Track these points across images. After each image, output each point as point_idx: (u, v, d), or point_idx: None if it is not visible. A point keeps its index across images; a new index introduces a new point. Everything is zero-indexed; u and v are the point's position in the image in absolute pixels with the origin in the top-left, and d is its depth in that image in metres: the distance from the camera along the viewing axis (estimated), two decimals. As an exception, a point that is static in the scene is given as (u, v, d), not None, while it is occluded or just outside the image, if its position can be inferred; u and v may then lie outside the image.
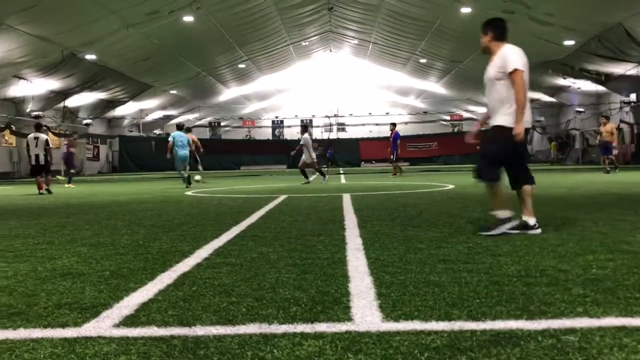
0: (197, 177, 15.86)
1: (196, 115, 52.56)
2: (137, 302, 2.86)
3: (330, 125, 52.90)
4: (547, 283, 3.07)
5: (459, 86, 43.51)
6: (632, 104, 32.39)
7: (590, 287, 2.95)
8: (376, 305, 2.68)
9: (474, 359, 2.00)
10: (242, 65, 40.93)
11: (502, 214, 4.84)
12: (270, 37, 36.00)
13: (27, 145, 14.49)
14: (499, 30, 5.07)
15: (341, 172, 30.36)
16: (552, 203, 8.00)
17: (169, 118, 48.78)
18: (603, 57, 26.62)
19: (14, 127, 31.24)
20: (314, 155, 16.39)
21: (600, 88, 33.30)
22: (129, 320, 2.55)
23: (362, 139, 52.38)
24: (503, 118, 4.83)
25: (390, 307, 2.65)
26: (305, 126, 17.06)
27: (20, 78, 28.25)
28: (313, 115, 55.02)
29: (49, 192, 13.92)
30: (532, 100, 42.34)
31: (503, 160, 4.93)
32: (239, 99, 52.38)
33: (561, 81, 34.23)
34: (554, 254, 3.90)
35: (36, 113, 30.82)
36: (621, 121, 33.90)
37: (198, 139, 20.28)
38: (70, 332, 2.39)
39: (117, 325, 2.48)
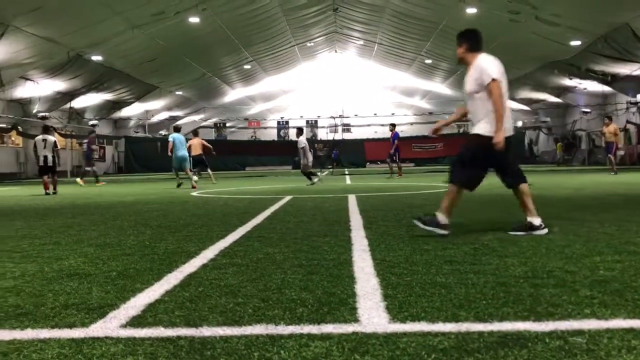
0: (195, 178, 16.12)
1: (202, 116, 52.66)
2: (144, 303, 2.86)
3: (336, 126, 52.91)
4: (554, 284, 3.05)
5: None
6: (639, 104, 32.25)
7: (597, 288, 2.94)
8: (383, 307, 2.68)
9: (481, 361, 1.99)
10: (247, 66, 40.99)
11: (442, 218, 4.90)
12: (275, 38, 36.05)
13: (35, 146, 14.62)
14: (472, 41, 5.11)
15: (346, 172, 30.34)
16: (559, 204, 7.98)
17: (174, 119, 48.85)
18: (609, 58, 26.51)
19: (20, 128, 31.37)
20: (310, 157, 16.71)
21: (606, 88, 33.16)
22: (136, 321, 2.56)
23: (367, 140, 52.27)
24: (482, 126, 4.90)
25: (396, 309, 2.65)
26: (301, 129, 17.29)
27: (27, 79, 28.37)
28: (318, 116, 55.07)
29: (55, 193, 14.05)
30: (538, 101, 42.27)
31: (479, 168, 4.97)
32: (245, 100, 52.47)
33: (567, 82, 34.11)
34: (561, 255, 3.89)
35: (42, 114, 30.95)
36: (628, 122, 33.77)
37: (204, 140, 20.60)
38: (77, 333, 2.40)
39: (124, 326, 2.49)
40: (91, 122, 38.20)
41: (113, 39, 25.85)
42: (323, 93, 53.51)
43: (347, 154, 48.26)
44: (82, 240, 5.28)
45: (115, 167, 46.06)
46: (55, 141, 14.69)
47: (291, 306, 2.73)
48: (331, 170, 34.24)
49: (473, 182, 5.03)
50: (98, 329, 2.45)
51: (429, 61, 39.11)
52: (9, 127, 30.80)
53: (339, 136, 51.49)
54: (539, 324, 2.36)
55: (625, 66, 27.65)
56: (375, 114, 53.55)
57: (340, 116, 52.10)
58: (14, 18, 20.62)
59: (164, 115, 48.57)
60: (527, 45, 28.18)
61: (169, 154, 16.62)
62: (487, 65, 4.88)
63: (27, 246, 4.94)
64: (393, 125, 21.71)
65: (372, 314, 2.56)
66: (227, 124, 56.15)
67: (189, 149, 19.09)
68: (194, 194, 12.72)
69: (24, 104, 31.42)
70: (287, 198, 10.41)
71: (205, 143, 19.80)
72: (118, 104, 39.21)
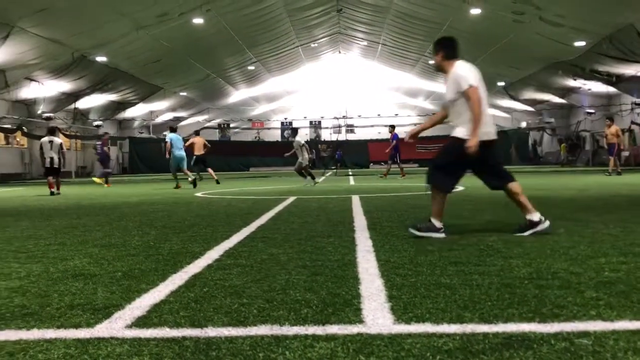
0: (192, 177, 16.16)
1: (206, 117, 52.74)
2: (149, 303, 2.87)
3: (339, 126, 52.91)
4: (559, 286, 3.05)
5: (468, 87, 43.36)
6: (644, 105, 32.17)
7: (603, 290, 2.93)
8: (387, 308, 2.68)
9: (486, 362, 1.99)
10: (251, 67, 41.05)
11: (437, 223, 4.96)
12: (279, 38, 36.08)
13: (41, 148, 14.76)
14: (449, 49, 5.18)
15: (350, 173, 30.34)
16: (563, 205, 7.96)
17: (178, 120, 48.97)
18: (614, 58, 26.42)
19: (25, 129, 31.49)
20: (306, 156, 16.81)
21: (611, 89, 33.06)
22: (141, 321, 2.56)
23: (371, 141, 52.28)
24: (460, 130, 4.97)
25: (401, 310, 2.65)
26: (296, 129, 17.52)
27: (32, 80, 28.47)
28: (322, 117, 55.08)
29: (58, 193, 14.20)
30: (542, 102, 42.17)
31: (457, 170, 5.06)
32: (248, 101, 52.52)
33: (571, 82, 34.02)
34: (566, 257, 3.88)
35: (47, 115, 31.06)
36: (632, 122, 33.66)
37: (207, 140, 20.72)
38: (83, 333, 2.41)
39: (130, 326, 2.49)
40: (96, 123, 38.33)
41: (118, 40, 25.92)
42: (327, 94, 53.53)
43: (350, 154, 48.29)
44: (87, 240, 5.29)
45: (119, 168, 46.18)
46: (61, 143, 14.99)
47: (296, 307, 2.73)
48: (335, 171, 34.26)
49: (452, 185, 5.15)
50: (103, 329, 2.46)
51: (432, 62, 39.04)
52: (14, 127, 30.92)
53: (342, 137, 51.51)
54: (544, 326, 2.36)
55: (630, 67, 27.56)
56: (378, 115, 53.55)
57: (344, 117, 52.10)
58: (19, 19, 20.71)
59: (169, 116, 48.67)
60: (531, 46, 28.12)
61: (167, 156, 16.31)
62: (463, 73, 4.94)
63: (33, 246, 4.96)
64: (392, 127, 21.83)
65: (377, 315, 2.56)
66: (231, 125, 56.24)
67: (192, 147, 19.21)
68: (198, 194, 12.74)
69: (28, 105, 31.55)
70: (291, 199, 10.42)
71: (206, 142, 20.13)
72: (122, 105, 39.32)
